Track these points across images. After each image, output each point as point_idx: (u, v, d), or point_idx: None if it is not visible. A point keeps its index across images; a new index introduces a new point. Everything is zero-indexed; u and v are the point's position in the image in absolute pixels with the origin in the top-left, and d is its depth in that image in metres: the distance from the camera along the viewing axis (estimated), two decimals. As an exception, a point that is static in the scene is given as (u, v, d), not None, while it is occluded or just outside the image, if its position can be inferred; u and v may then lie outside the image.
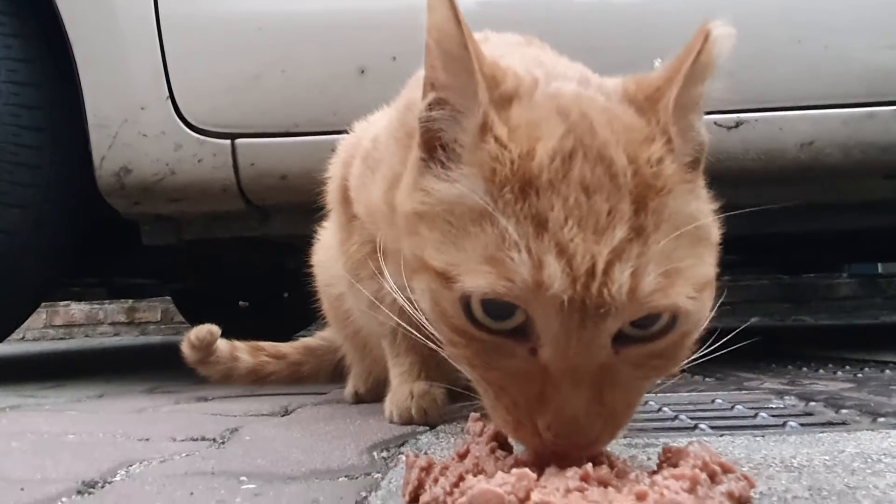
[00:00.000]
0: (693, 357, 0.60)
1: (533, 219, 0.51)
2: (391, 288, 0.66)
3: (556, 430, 0.53)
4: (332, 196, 1.08)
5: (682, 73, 0.57)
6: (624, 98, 0.60)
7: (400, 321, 0.67)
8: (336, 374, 1.37)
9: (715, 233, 0.59)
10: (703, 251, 0.56)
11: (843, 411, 0.96)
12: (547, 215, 0.51)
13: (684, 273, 0.53)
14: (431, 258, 0.56)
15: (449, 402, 1.00)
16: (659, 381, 0.61)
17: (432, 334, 0.60)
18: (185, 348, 1.37)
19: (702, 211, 0.58)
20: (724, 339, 0.63)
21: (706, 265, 0.56)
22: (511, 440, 0.60)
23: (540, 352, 0.53)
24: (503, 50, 0.75)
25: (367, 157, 0.91)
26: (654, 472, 0.52)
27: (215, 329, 1.36)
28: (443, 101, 0.59)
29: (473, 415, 0.62)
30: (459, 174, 0.57)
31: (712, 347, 0.62)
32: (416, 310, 0.62)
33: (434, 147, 0.60)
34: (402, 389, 1.00)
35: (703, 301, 0.55)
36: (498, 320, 0.53)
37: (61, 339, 5.01)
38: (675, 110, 0.57)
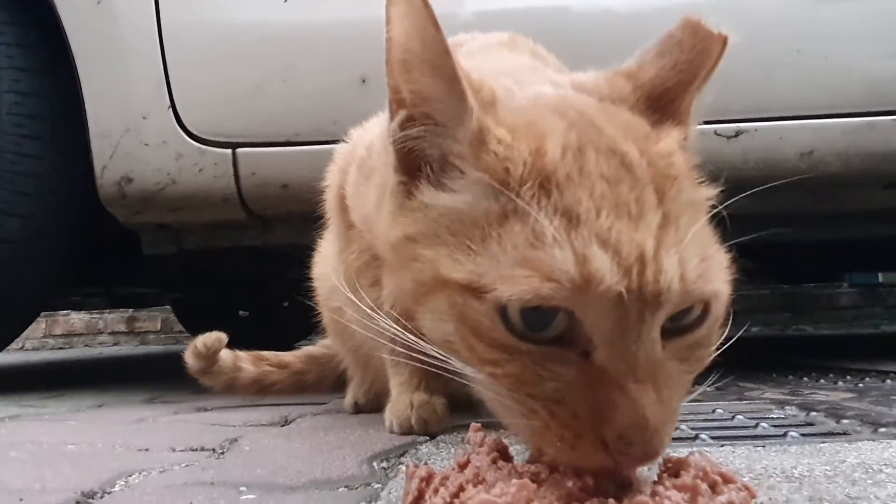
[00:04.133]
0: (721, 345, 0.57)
1: (563, 213, 0.48)
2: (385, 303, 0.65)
3: (630, 438, 0.48)
4: (329, 205, 1.08)
5: (701, 80, 0.56)
6: (612, 97, 0.59)
7: (396, 334, 0.66)
8: (339, 382, 1.36)
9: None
10: (714, 235, 0.55)
11: (844, 421, 0.96)
12: (576, 208, 0.48)
13: (715, 257, 0.52)
14: (451, 272, 0.51)
15: (449, 412, 0.99)
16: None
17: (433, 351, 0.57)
18: (190, 357, 1.37)
19: (706, 197, 0.57)
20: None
21: (721, 248, 0.55)
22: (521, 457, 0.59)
23: (594, 354, 0.49)
24: (479, 58, 0.75)
25: (361, 164, 0.91)
26: (655, 483, 0.52)
27: (223, 336, 1.35)
28: (423, 116, 0.56)
29: (474, 425, 0.62)
30: (464, 184, 0.54)
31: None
32: (405, 328, 0.59)
33: (417, 167, 0.57)
34: (402, 399, 1.00)
35: (728, 284, 0.54)
36: (538, 329, 0.49)
37: (61, 348, 5.01)
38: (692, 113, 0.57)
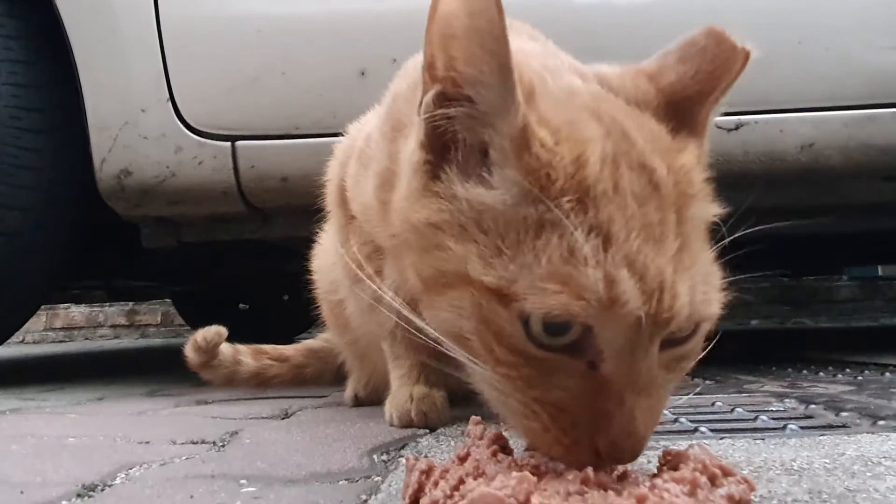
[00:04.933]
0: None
1: (597, 230, 0.49)
2: (387, 292, 0.65)
3: (621, 446, 0.51)
4: (330, 198, 1.08)
5: (720, 92, 0.58)
6: (637, 99, 0.59)
7: (400, 321, 0.66)
8: (339, 375, 1.37)
9: None
10: (711, 252, 0.57)
11: (844, 414, 0.96)
12: (610, 228, 0.49)
13: (714, 280, 0.54)
14: (480, 274, 0.51)
15: (449, 405, 1.00)
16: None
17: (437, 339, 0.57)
18: (190, 351, 1.37)
19: (713, 214, 0.59)
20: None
21: (717, 266, 0.56)
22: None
23: (601, 366, 0.51)
24: None
25: (361, 155, 0.91)
26: (655, 476, 0.52)
27: (223, 330, 1.35)
28: (464, 97, 0.54)
29: (474, 418, 0.62)
30: (502, 181, 0.53)
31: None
32: (412, 313, 0.60)
33: (446, 147, 0.56)
34: (402, 392, 1.00)
35: (721, 305, 0.56)
36: (555, 336, 0.50)
37: (61, 341, 5.01)
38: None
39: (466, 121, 0.55)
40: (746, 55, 0.58)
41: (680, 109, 0.59)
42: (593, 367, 0.51)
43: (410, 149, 0.61)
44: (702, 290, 0.52)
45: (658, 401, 0.53)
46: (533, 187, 0.51)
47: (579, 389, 0.51)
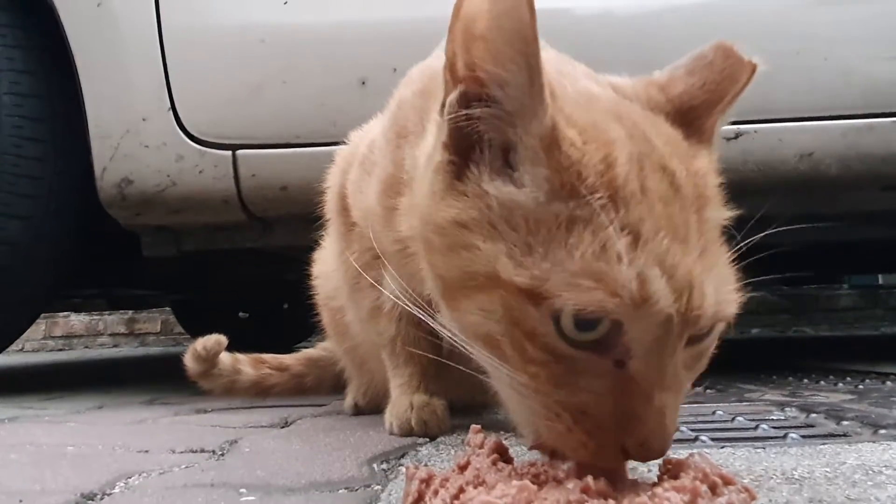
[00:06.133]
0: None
1: (627, 229, 0.50)
2: (391, 294, 0.65)
3: (650, 444, 0.51)
4: (330, 205, 1.08)
5: (727, 102, 0.60)
6: (650, 106, 0.61)
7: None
8: (339, 385, 1.36)
9: None
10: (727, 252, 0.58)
11: (844, 423, 0.96)
12: (640, 227, 0.50)
13: (732, 280, 0.55)
14: (511, 274, 0.51)
15: (449, 413, 0.99)
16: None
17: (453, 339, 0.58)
18: (189, 360, 1.36)
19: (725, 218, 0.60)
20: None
21: (733, 267, 0.57)
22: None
23: (629, 364, 0.51)
24: None
25: (364, 161, 0.91)
26: (655, 484, 0.52)
27: (223, 339, 1.35)
28: (490, 98, 0.54)
29: (474, 426, 0.62)
30: (533, 179, 0.53)
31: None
32: (428, 315, 0.60)
33: (470, 147, 0.56)
34: (402, 401, 1.00)
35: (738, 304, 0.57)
36: (584, 331, 0.50)
37: (61, 350, 5.00)
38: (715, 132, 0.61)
39: (492, 121, 0.55)
40: (753, 68, 0.61)
41: (688, 119, 0.60)
42: (621, 365, 0.51)
43: (428, 150, 0.61)
44: (724, 289, 0.53)
45: (679, 398, 0.54)
46: (566, 184, 0.51)
47: (605, 389, 0.51)
